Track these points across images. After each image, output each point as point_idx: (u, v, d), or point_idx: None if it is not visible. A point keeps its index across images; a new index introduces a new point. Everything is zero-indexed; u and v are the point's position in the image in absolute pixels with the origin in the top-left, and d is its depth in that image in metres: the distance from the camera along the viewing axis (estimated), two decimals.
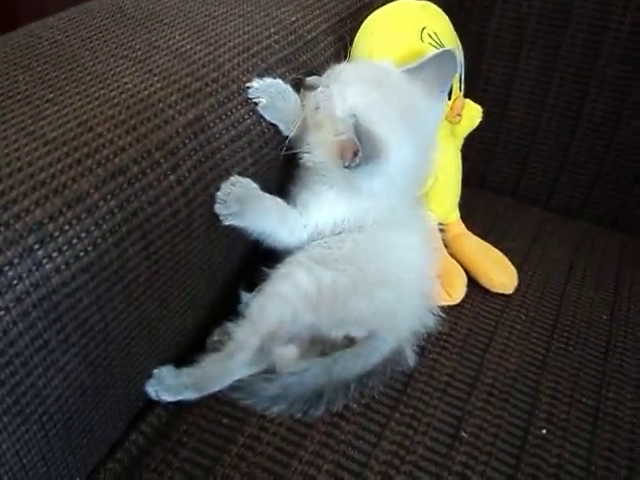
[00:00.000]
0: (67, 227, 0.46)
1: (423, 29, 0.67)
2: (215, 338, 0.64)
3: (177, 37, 0.63)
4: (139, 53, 0.60)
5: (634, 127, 0.90)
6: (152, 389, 0.59)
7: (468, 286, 0.74)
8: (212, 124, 0.56)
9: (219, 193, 0.58)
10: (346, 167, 0.60)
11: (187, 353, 0.63)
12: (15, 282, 0.43)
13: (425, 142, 0.64)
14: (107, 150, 0.50)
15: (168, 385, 0.60)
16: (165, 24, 0.66)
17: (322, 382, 0.60)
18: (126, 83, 0.56)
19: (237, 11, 0.69)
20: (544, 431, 0.61)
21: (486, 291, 0.75)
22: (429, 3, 0.72)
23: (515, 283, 0.75)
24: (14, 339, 0.43)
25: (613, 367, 0.68)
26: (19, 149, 0.48)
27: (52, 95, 0.54)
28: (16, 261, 0.43)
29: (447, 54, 0.63)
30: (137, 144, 0.51)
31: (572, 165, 0.94)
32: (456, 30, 0.80)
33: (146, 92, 0.55)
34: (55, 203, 0.46)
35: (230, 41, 0.63)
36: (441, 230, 0.75)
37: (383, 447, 0.58)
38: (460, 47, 0.73)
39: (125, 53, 0.60)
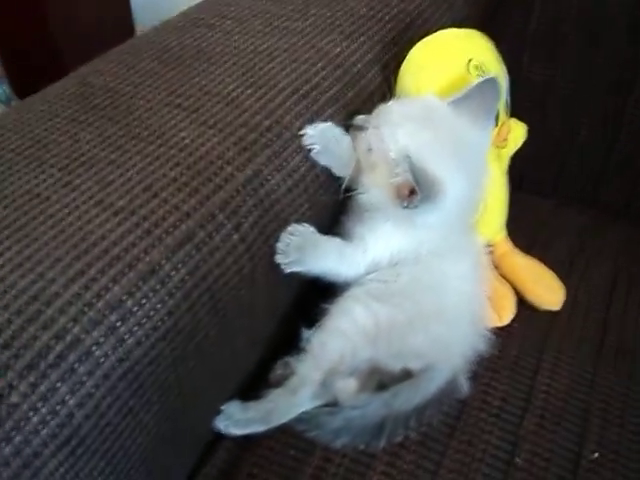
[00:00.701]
0: (144, 301, 0.48)
1: (470, 61, 0.67)
2: (278, 372, 0.67)
3: (226, 79, 0.65)
4: (191, 101, 0.62)
5: None
6: (222, 424, 0.63)
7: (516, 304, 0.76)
8: (270, 177, 0.58)
9: (279, 244, 0.60)
10: (404, 207, 0.62)
11: (249, 386, 0.67)
12: (102, 360, 0.46)
13: (476, 173, 0.65)
14: (174, 217, 0.52)
15: (236, 420, 0.63)
16: (212, 64, 0.67)
17: (383, 414, 0.63)
18: (184, 138, 0.58)
19: (282, 44, 0.70)
20: (596, 455, 0.64)
21: (533, 309, 0.77)
22: (473, 31, 0.72)
23: (562, 299, 0.77)
24: (104, 411, 0.46)
25: None
26: (91, 221, 0.51)
27: (114, 156, 0.57)
28: (102, 340, 0.46)
29: (490, 82, 0.64)
30: (201, 208, 0.54)
31: (615, 165, 0.94)
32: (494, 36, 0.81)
33: (204, 148, 0.57)
34: (131, 278, 0.49)
35: (279, 82, 0.65)
36: (489, 250, 0.76)
37: (442, 475, 0.62)
38: (506, 73, 0.74)
39: (178, 102, 0.62)
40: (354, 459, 0.63)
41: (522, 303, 0.77)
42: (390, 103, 0.64)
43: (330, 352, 0.64)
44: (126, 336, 0.47)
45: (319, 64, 0.67)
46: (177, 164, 0.56)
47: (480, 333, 0.69)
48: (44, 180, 0.54)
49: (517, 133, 0.77)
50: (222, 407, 0.63)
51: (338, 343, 0.64)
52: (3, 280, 0.46)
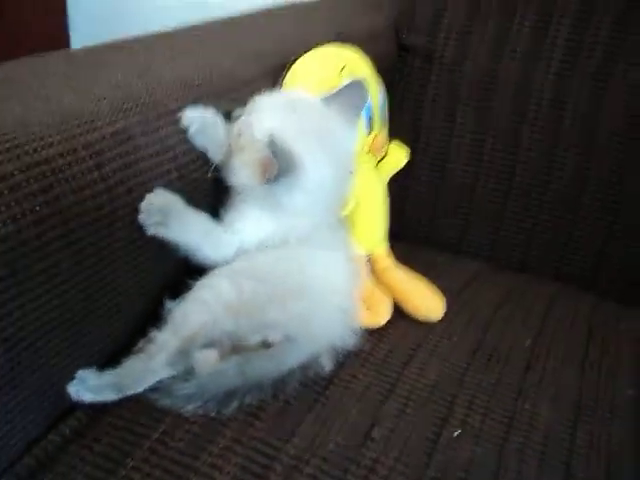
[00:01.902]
0: None
1: (343, 67, 0.77)
2: (140, 346, 0.68)
3: (119, 75, 0.73)
4: (80, 82, 0.70)
5: (559, 186, 0.99)
6: (73, 389, 0.63)
7: (395, 314, 0.79)
8: (137, 136, 0.65)
9: (143, 203, 0.65)
10: (266, 183, 0.67)
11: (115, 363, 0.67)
12: None
13: (342, 164, 0.72)
14: (36, 144, 0.57)
15: (89, 385, 0.63)
16: (110, 65, 0.76)
17: (236, 381, 0.64)
18: (64, 101, 0.65)
19: (180, 58, 0.80)
20: (456, 433, 0.64)
21: (413, 320, 0.80)
22: (352, 48, 0.83)
23: (442, 310, 0.80)
24: None
25: (531, 382, 0.72)
26: None
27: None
28: None
29: (357, 83, 0.73)
30: (65, 142, 0.59)
31: (510, 220, 1.02)
32: (396, 95, 0.91)
33: (80, 107, 0.64)
34: None
35: (167, 78, 0.73)
36: (369, 262, 0.81)
37: (294, 443, 0.61)
38: (382, 87, 0.83)
39: (70, 83, 0.70)
40: (204, 425, 0.62)
41: (403, 315, 0.80)
42: (262, 95, 0.72)
43: (190, 320, 0.66)
44: None
45: (208, 70, 0.77)
46: (52, 113, 0.62)
47: (349, 325, 0.71)
48: None
49: (399, 155, 0.84)
50: (77, 373, 0.64)
51: (199, 313, 0.67)
52: None
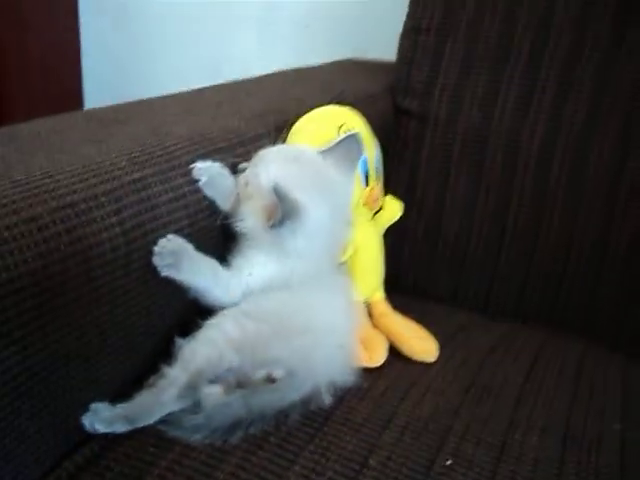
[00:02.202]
0: (20, 237, 0.58)
1: (342, 125, 0.84)
2: (151, 382, 0.73)
3: (134, 131, 0.81)
4: (100, 137, 0.77)
5: (553, 235, 1.04)
6: (87, 420, 0.67)
7: (391, 355, 0.83)
8: (153, 185, 0.71)
9: (156, 247, 0.71)
10: (271, 227, 0.73)
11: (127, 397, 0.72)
12: None
13: (339, 210, 0.78)
14: (61, 191, 0.64)
15: (102, 417, 0.68)
16: (127, 125, 0.83)
17: (241, 413, 0.68)
18: (84, 153, 0.72)
19: (191, 117, 0.88)
20: (449, 462, 0.67)
21: (408, 360, 0.85)
22: (349, 108, 0.91)
23: (436, 352, 0.84)
24: None
25: (522, 415, 0.76)
26: None
27: (24, 157, 0.70)
28: None
29: (353, 137, 0.80)
30: (87, 190, 0.66)
31: (503, 270, 1.07)
32: (393, 159, 0.98)
33: (99, 159, 0.71)
34: (12, 219, 0.59)
35: (179, 134, 0.80)
36: (367, 308, 0.86)
37: (295, 470, 0.65)
38: (378, 144, 0.90)
39: (90, 138, 0.77)
40: (210, 454, 0.66)
41: (399, 356, 0.85)
42: (267, 148, 0.79)
43: (198, 356, 0.71)
44: None
45: (215, 128, 0.84)
46: (73, 164, 0.68)
47: (347, 362, 0.76)
48: None
49: (394, 208, 0.91)
50: (91, 406, 0.68)
51: (206, 349, 0.72)
52: None
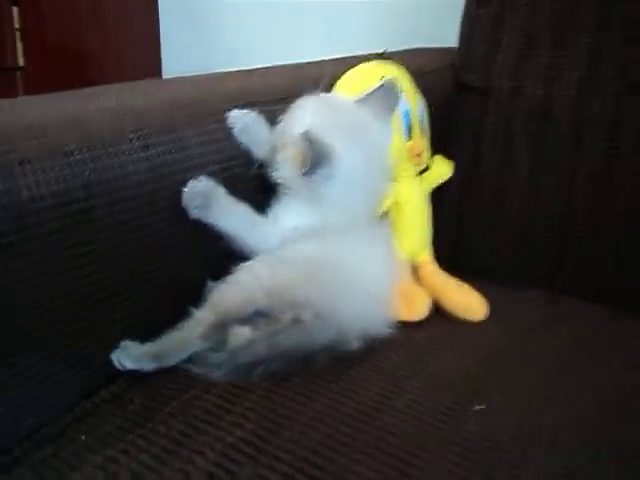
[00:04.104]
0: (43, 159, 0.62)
1: (382, 77, 0.84)
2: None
3: (182, 89, 0.84)
4: (150, 92, 0.81)
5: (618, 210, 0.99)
6: (116, 356, 0.69)
7: (435, 314, 0.81)
8: (184, 127, 0.74)
9: (186, 188, 0.72)
10: (303, 174, 0.74)
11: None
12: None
13: (376, 158, 0.78)
14: (90, 123, 0.67)
15: (130, 354, 0.69)
16: (183, 84, 0.87)
17: (265, 351, 0.68)
18: (126, 103, 0.75)
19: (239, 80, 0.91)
20: (479, 407, 0.64)
21: (453, 319, 0.82)
22: (394, 63, 0.91)
23: (483, 310, 0.81)
24: None
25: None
26: None
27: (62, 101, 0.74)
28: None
29: (388, 84, 0.80)
30: (114, 124, 0.69)
31: (569, 249, 1.01)
32: (455, 133, 0.96)
33: (134, 104, 0.74)
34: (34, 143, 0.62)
35: (222, 90, 0.83)
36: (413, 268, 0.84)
37: (314, 407, 0.64)
38: (421, 99, 0.89)
39: (142, 93, 0.81)
40: (229, 391, 0.66)
41: (443, 314, 0.82)
42: (304, 97, 0.80)
43: (227, 298, 0.72)
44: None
45: (259, 88, 0.86)
46: (109, 109, 0.72)
47: (382, 314, 0.75)
48: None
49: (443, 167, 0.88)
50: (120, 343, 0.70)
51: (236, 291, 0.72)
52: None
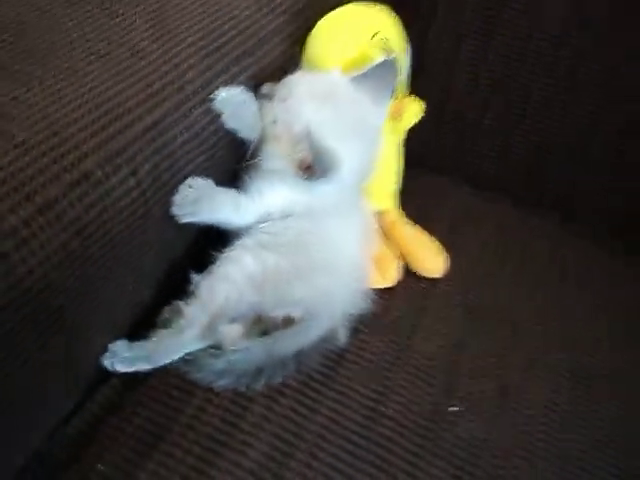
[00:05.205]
0: (39, 232, 0.54)
1: (375, 34, 0.76)
2: (166, 316, 0.74)
3: (133, 32, 0.71)
4: (100, 47, 0.68)
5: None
6: (107, 361, 0.69)
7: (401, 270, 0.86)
8: (168, 128, 0.66)
9: (176, 197, 0.68)
10: (304, 180, 0.71)
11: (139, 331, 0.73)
12: None
13: (371, 146, 0.76)
14: (72, 155, 0.58)
15: (122, 357, 0.70)
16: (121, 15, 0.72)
17: (264, 359, 0.72)
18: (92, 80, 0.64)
19: (191, 3, 0.76)
20: (455, 408, 0.74)
21: (417, 275, 0.88)
22: (381, 7, 0.81)
23: (442, 269, 0.87)
24: None
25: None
26: None
27: (18, 92, 0.61)
28: None
29: (388, 63, 0.74)
30: (99, 150, 0.60)
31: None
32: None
33: (111, 92, 0.63)
34: (28, 210, 0.54)
35: (186, 38, 0.71)
36: (378, 216, 0.86)
37: (316, 420, 0.70)
38: (409, 50, 0.83)
39: (87, 46, 0.67)
40: (233, 401, 0.70)
41: (408, 271, 0.87)
42: (297, 75, 0.72)
43: (217, 296, 0.72)
44: (19, 264, 0.53)
45: (225, 26, 0.74)
46: (80, 106, 0.61)
47: (362, 291, 0.78)
48: None
49: (414, 109, 0.86)
50: (109, 345, 0.70)
51: (225, 287, 0.72)
52: None
